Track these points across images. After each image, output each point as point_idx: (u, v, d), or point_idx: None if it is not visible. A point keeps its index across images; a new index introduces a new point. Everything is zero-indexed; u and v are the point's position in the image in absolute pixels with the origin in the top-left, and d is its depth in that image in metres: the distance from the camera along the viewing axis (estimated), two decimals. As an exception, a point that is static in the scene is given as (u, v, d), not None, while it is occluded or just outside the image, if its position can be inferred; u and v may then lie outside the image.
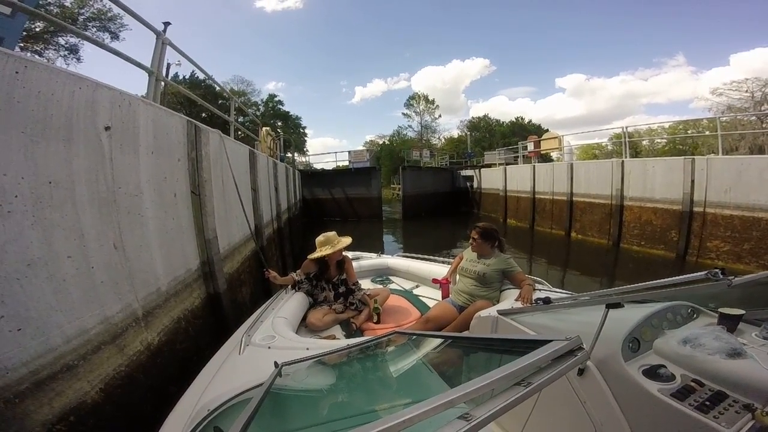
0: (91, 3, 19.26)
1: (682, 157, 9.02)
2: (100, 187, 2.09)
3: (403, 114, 46.42)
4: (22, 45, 16.37)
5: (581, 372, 1.37)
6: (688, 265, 8.09)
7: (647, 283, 1.48)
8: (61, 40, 18.86)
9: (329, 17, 76.45)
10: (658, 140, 26.00)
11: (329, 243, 3.32)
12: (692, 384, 1.16)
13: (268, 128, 12.06)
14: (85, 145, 1.98)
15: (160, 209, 2.74)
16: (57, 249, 1.75)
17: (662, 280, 1.43)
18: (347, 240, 3.42)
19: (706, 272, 1.23)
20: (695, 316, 1.53)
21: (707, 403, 1.08)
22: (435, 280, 3.53)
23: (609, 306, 1.27)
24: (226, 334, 2.59)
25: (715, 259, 7.80)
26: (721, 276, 1.20)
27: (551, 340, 0.78)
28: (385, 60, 79.82)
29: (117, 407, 1.98)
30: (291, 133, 32.89)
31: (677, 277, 1.37)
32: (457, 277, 3.22)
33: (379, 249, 5.15)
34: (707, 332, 1.28)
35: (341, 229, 3.57)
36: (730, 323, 1.39)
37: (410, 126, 46.31)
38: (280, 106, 40.94)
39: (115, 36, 20.20)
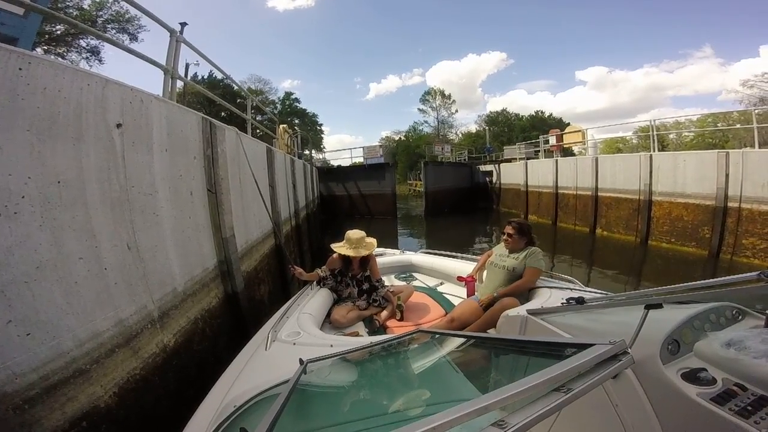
0: (109, 5, 19.66)
1: (716, 150, 8.60)
2: (113, 186, 2.04)
3: (419, 110, 46.26)
4: (45, 48, 16.84)
5: (615, 374, 1.28)
6: (722, 263, 7.74)
7: (691, 283, 1.40)
8: (83, 43, 19.32)
9: (340, 14, 76.80)
10: (686, 133, 25.12)
11: (352, 246, 3.30)
12: (734, 388, 1.07)
13: (285, 126, 12.05)
14: (96, 143, 1.93)
15: (175, 208, 2.70)
16: (67, 250, 1.71)
17: (709, 281, 1.37)
18: (372, 245, 3.40)
19: (758, 273, 1.17)
20: (740, 318, 1.41)
21: (749, 407, 0.99)
22: (460, 278, 3.42)
23: (648, 306, 1.20)
24: (244, 334, 2.54)
25: (751, 257, 7.42)
26: None
27: (593, 344, 0.75)
28: (399, 56, 79.23)
29: (131, 411, 1.95)
30: (308, 130, 32.96)
31: (725, 278, 1.31)
32: (484, 274, 3.12)
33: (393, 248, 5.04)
34: (754, 334, 1.18)
35: (353, 227, 3.53)
36: None
37: (426, 121, 46.10)
38: (297, 104, 41.22)
39: (134, 38, 20.57)
